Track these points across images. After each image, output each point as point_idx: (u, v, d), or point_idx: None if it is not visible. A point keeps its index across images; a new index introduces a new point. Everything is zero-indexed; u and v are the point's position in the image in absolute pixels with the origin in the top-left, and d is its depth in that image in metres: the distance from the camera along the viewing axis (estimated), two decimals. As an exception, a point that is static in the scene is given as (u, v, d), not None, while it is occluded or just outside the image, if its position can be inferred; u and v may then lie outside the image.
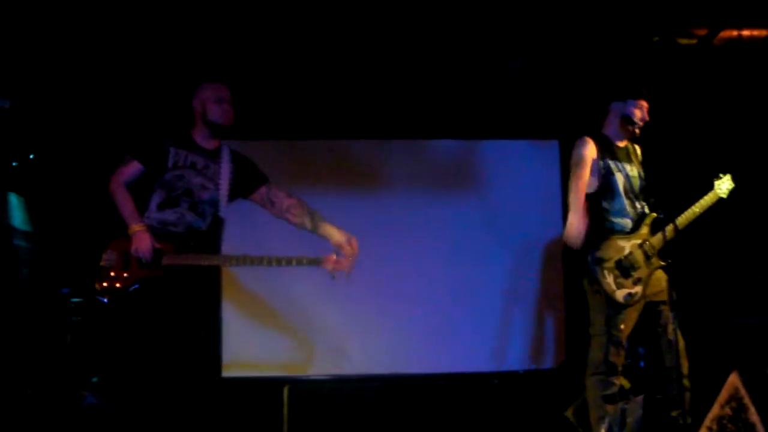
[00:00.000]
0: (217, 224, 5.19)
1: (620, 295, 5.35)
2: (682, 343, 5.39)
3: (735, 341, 6.30)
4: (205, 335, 5.09)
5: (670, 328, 5.36)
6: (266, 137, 7.21)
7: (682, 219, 5.59)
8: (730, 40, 6.78)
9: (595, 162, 5.54)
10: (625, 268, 5.38)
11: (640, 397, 5.48)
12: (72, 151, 5.04)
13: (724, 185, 5.79)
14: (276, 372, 6.87)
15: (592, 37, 6.79)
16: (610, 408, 5.30)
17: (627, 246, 5.44)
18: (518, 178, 7.42)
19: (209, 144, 5.15)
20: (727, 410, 5.13)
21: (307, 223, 5.49)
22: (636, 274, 5.39)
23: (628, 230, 5.50)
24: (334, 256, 5.28)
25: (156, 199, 4.98)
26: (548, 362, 7.16)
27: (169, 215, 4.97)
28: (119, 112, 6.06)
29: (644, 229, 5.55)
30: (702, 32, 6.73)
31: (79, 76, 6.42)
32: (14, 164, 6.34)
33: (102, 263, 4.82)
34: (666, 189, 6.51)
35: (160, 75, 6.64)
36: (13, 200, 6.22)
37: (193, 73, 6.75)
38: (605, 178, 5.54)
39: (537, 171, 7.46)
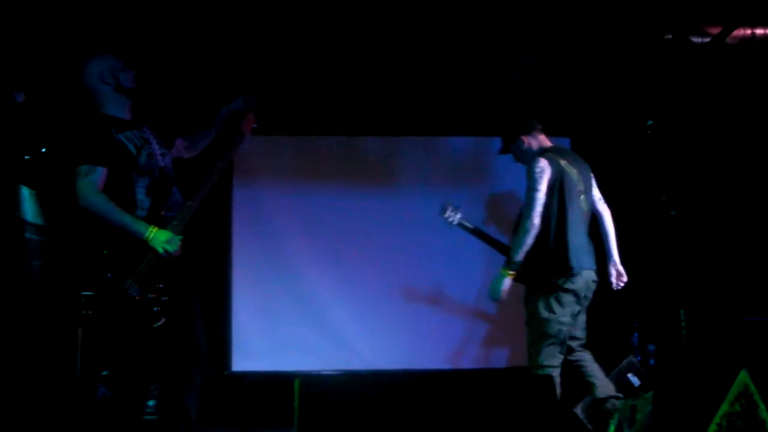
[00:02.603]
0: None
1: None
2: None
3: (744, 339, 6.28)
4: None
5: None
6: (279, 132, 7.21)
7: None
8: (744, 39, 6.76)
9: None
10: None
11: (649, 394, 5.47)
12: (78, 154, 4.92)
13: None
14: (286, 367, 6.89)
15: (605, 35, 6.79)
16: None
17: None
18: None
19: (129, 115, 4.85)
20: (737, 407, 5.12)
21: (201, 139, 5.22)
22: None
23: None
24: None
25: (141, 190, 4.70)
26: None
27: (158, 198, 4.73)
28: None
29: None
30: (715, 31, 6.72)
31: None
32: (26, 158, 6.37)
33: (138, 298, 4.55)
34: (678, 187, 6.53)
35: (171, 72, 6.66)
36: (25, 193, 6.24)
37: (207, 71, 6.84)
38: None
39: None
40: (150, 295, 4.57)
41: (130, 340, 4.71)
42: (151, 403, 6.08)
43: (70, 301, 5.09)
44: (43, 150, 6.39)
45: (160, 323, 4.58)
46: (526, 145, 5.70)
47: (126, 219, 4.57)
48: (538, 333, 5.48)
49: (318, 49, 6.84)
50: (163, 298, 4.60)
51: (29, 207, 6.24)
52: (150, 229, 4.59)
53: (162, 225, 4.66)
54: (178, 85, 6.71)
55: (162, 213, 4.70)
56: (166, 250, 4.60)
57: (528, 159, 5.60)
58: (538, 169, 5.45)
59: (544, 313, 5.43)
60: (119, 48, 5.08)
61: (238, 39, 6.64)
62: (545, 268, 5.44)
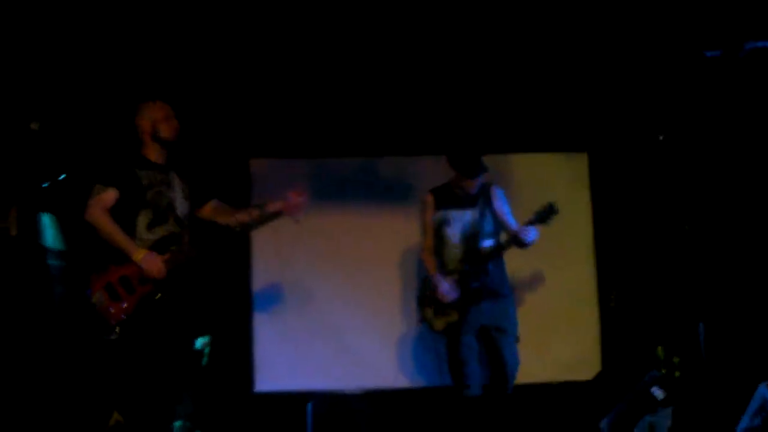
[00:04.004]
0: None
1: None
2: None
3: (763, 352, 6.24)
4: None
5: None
6: (295, 156, 7.26)
7: None
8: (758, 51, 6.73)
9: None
10: None
11: (668, 409, 5.45)
12: (95, 176, 5.12)
13: None
14: (308, 386, 6.91)
15: (620, 50, 6.79)
16: None
17: None
18: (549, 191, 7.38)
19: (161, 160, 5.24)
20: (757, 421, 5.10)
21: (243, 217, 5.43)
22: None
23: None
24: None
25: (143, 220, 5.08)
26: (583, 374, 7.11)
27: (160, 233, 5.08)
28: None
29: None
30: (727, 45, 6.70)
31: (104, 96, 6.54)
32: (45, 185, 6.45)
33: (98, 307, 4.93)
34: (694, 201, 6.51)
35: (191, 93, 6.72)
36: (46, 220, 6.32)
37: (221, 93, 6.89)
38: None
39: (567, 183, 7.45)
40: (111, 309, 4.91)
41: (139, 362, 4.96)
42: (178, 424, 6.15)
43: (91, 325, 5.15)
44: (62, 176, 6.48)
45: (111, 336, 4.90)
46: None
47: (120, 237, 4.98)
48: None
49: (333, 71, 6.89)
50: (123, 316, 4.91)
51: (50, 233, 6.33)
52: (140, 251, 4.96)
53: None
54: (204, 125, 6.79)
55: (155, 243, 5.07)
56: (150, 272, 4.94)
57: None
58: None
59: None
60: (169, 97, 5.39)
61: (255, 63, 6.70)
62: None
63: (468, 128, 7.26)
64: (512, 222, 6.08)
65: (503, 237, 6.09)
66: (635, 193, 7.28)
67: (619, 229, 7.33)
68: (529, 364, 7.05)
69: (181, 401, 5.81)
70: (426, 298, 6.14)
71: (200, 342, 5.53)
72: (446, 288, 5.94)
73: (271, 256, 7.16)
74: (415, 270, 7.00)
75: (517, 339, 6.13)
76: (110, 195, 5.02)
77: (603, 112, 7.32)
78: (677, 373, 6.34)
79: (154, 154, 5.22)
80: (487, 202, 6.13)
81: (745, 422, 5.13)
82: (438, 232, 6.12)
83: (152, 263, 4.94)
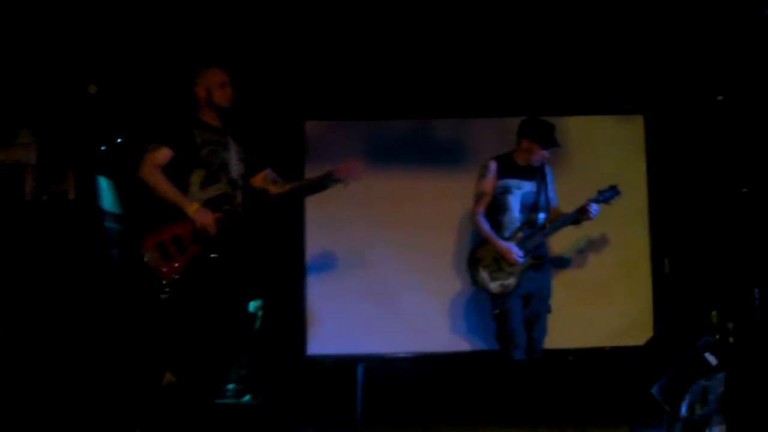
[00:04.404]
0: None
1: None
2: None
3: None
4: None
5: None
6: (350, 118, 7.28)
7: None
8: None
9: None
10: None
11: (721, 375, 5.42)
12: (151, 134, 5.20)
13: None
14: (359, 350, 6.98)
15: (678, 9, 6.68)
16: None
17: None
18: (604, 155, 7.36)
19: (217, 124, 5.32)
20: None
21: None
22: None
23: None
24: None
25: (196, 179, 5.16)
26: (636, 339, 7.08)
27: (212, 192, 5.15)
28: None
29: None
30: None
31: (160, 61, 6.58)
32: (103, 148, 6.54)
33: (150, 265, 5.03)
34: (751, 164, 6.43)
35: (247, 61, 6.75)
36: (103, 184, 6.41)
37: (276, 55, 6.91)
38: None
39: (622, 146, 7.40)
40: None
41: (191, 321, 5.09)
42: (231, 386, 6.23)
43: (144, 283, 5.24)
44: (119, 140, 6.57)
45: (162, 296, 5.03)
46: None
47: (172, 193, 5.06)
48: None
49: (387, 33, 6.85)
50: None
51: (107, 196, 6.42)
52: (193, 204, 5.06)
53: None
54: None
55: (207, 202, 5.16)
56: (203, 225, 5.01)
57: None
58: None
59: None
60: (227, 63, 5.48)
61: (310, 28, 6.70)
62: None
63: (522, 90, 7.24)
64: (555, 201, 6.41)
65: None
66: (691, 156, 7.20)
67: (673, 193, 7.27)
68: (582, 328, 7.10)
69: (233, 364, 5.90)
70: (481, 260, 6.17)
71: (253, 305, 5.57)
72: (517, 252, 6.04)
73: (324, 219, 7.18)
74: (469, 233, 6.97)
75: (549, 309, 6.28)
76: (164, 153, 5.10)
77: (659, 73, 7.22)
78: (731, 339, 6.31)
79: (210, 118, 5.30)
80: (543, 178, 6.28)
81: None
82: (498, 200, 6.17)
83: (204, 217, 5.02)
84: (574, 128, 7.39)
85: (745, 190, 5.98)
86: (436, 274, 7.17)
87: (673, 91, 7.26)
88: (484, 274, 6.14)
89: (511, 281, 6.06)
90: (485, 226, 6.14)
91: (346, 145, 7.19)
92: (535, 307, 6.19)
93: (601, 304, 7.21)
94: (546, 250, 6.31)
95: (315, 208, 7.17)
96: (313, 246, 7.26)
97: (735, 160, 6.49)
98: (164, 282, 4.98)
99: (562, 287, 6.89)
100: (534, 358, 6.13)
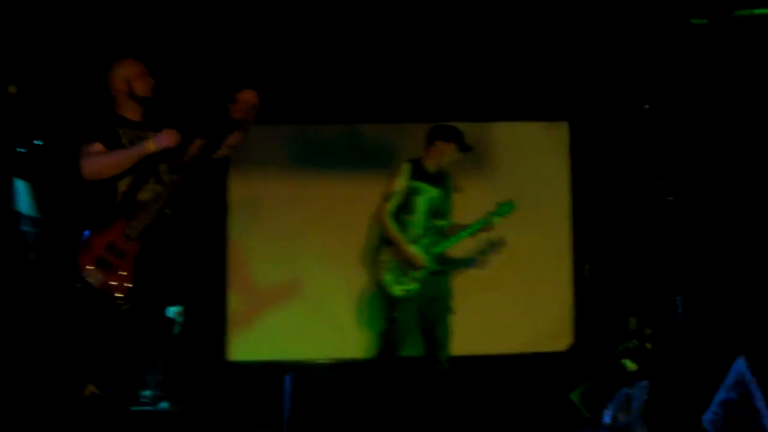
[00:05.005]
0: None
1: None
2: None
3: (741, 327, 6.26)
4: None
5: None
6: (277, 122, 7.18)
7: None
8: (743, 19, 6.70)
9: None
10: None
11: (644, 382, 5.47)
12: (78, 136, 5.02)
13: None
14: (282, 356, 6.93)
15: (604, 18, 6.73)
16: None
17: None
18: (528, 161, 7.40)
19: (138, 118, 5.09)
20: (733, 395, 5.12)
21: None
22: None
23: None
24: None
25: (124, 181, 4.91)
26: (557, 346, 7.13)
27: (143, 195, 4.92)
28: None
29: None
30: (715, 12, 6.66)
31: (81, 63, 6.43)
32: (21, 150, 6.38)
33: (98, 286, 4.75)
34: (676, 172, 6.51)
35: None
36: (20, 186, 6.26)
37: (201, 56, 6.80)
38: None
39: (546, 153, 7.44)
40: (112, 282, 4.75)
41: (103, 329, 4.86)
42: (147, 393, 6.13)
43: (64, 292, 5.09)
44: (37, 142, 6.41)
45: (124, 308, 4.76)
46: None
47: (129, 152, 4.84)
48: None
49: (315, 36, 6.79)
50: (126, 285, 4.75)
51: (24, 199, 6.26)
52: (147, 140, 4.84)
53: (133, 212, 4.86)
54: (184, 86, 6.67)
55: (135, 203, 4.89)
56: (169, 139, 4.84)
57: None
58: None
59: None
60: (140, 53, 5.23)
61: (237, 30, 6.60)
62: None
63: (448, 96, 7.24)
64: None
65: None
66: (615, 164, 7.27)
67: (596, 200, 7.33)
68: (502, 334, 7.13)
69: (151, 370, 5.79)
70: (386, 262, 6.20)
71: (172, 311, 5.46)
72: (421, 258, 6.12)
73: (248, 221, 7.10)
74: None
75: (451, 310, 6.32)
76: (97, 147, 4.86)
77: (585, 80, 7.28)
78: (649, 345, 6.37)
79: (130, 112, 5.06)
80: (447, 187, 6.38)
81: (721, 395, 5.16)
82: (407, 200, 6.23)
83: (164, 137, 4.83)
84: (500, 134, 7.45)
85: (671, 198, 6.03)
86: (363, 279, 7.10)
87: (599, 99, 7.32)
88: (388, 277, 6.16)
89: (414, 286, 6.13)
90: (390, 228, 6.19)
91: (272, 149, 7.12)
92: (436, 308, 6.26)
93: (524, 309, 7.24)
94: (446, 256, 6.37)
95: (239, 211, 7.08)
96: (236, 249, 7.14)
97: (660, 169, 6.56)
98: (118, 296, 4.79)
99: (483, 291, 6.96)
100: (442, 356, 6.22)
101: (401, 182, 6.22)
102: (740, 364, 5.17)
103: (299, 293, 7.12)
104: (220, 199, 7.07)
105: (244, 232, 7.14)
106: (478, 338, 6.70)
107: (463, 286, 6.95)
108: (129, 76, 5.03)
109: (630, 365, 5.64)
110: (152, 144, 4.81)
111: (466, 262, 7.13)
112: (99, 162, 4.82)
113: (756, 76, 6.80)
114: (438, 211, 6.28)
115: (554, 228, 7.38)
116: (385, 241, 6.26)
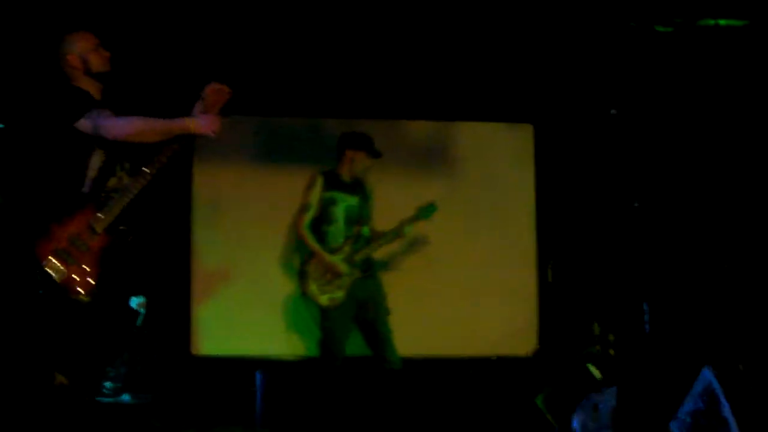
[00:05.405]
0: None
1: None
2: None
3: (708, 336, 6.32)
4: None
5: None
6: (241, 113, 7.06)
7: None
8: (708, 28, 6.77)
9: None
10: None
11: (613, 389, 5.47)
12: (45, 120, 4.81)
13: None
14: (248, 351, 6.87)
15: (569, 21, 6.74)
16: None
17: None
18: (491, 161, 7.39)
19: (98, 96, 4.74)
20: (700, 404, 5.14)
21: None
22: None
23: None
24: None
25: (95, 163, 4.64)
26: (521, 349, 7.12)
27: (112, 182, 4.67)
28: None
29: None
30: (680, 20, 6.72)
31: (34, 40, 6.24)
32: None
33: (61, 281, 4.52)
34: (642, 178, 6.54)
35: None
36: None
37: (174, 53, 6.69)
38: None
39: (511, 154, 7.43)
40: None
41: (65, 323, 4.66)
42: (108, 384, 6.01)
43: (25, 280, 4.93)
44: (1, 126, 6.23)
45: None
46: None
47: (168, 121, 4.52)
48: None
49: (280, 28, 6.71)
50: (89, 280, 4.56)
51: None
52: (189, 118, 4.57)
53: (101, 203, 4.59)
54: (144, 67, 6.52)
55: (103, 193, 4.63)
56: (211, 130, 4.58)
57: None
58: None
59: None
60: (94, 25, 4.91)
61: (205, 19, 6.49)
62: None
63: (414, 94, 7.20)
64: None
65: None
66: (580, 167, 7.29)
67: (561, 203, 7.35)
68: (466, 335, 7.11)
69: (113, 362, 5.67)
70: (311, 273, 6.27)
71: (135, 301, 5.34)
72: (342, 266, 6.22)
73: (212, 215, 7.01)
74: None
75: (388, 311, 6.38)
76: (108, 111, 4.55)
77: (551, 84, 7.29)
78: (612, 351, 6.40)
79: (91, 89, 4.70)
80: (364, 193, 6.51)
81: (689, 405, 5.18)
82: (325, 211, 6.32)
83: (208, 122, 4.58)
84: (464, 134, 7.45)
85: (636, 204, 6.05)
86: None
87: (564, 103, 7.34)
88: (313, 287, 6.23)
89: (340, 294, 6.21)
90: (308, 238, 6.27)
91: (235, 142, 7.02)
92: (372, 312, 6.33)
93: (485, 312, 7.21)
94: (372, 260, 6.44)
95: (202, 203, 7.00)
96: (201, 242, 7.07)
97: (626, 174, 6.59)
98: (85, 290, 4.61)
99: (447, 293, 6.94)
100: (392, 356, 6.25)
101: (315, 194, 6.32)
102: (707, 374, 5.20)
103: (264, 287, 7.06)
104: (185, 192, 6.97)
105: (208, 224, 7.04)
106: (441, 340, 6.68)
107: (426, 289, 6.97)
108: (83, 50, 4.69)
109: (594, 371, 5.65)
110: (192, 125, 4.55)
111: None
112: (135, 124, 4.51)
113: (718, 83, 6.89)
114: (358, 218, 6.37)
115: (519, 230, 7.39)
116: (309, 253, 6.31)
